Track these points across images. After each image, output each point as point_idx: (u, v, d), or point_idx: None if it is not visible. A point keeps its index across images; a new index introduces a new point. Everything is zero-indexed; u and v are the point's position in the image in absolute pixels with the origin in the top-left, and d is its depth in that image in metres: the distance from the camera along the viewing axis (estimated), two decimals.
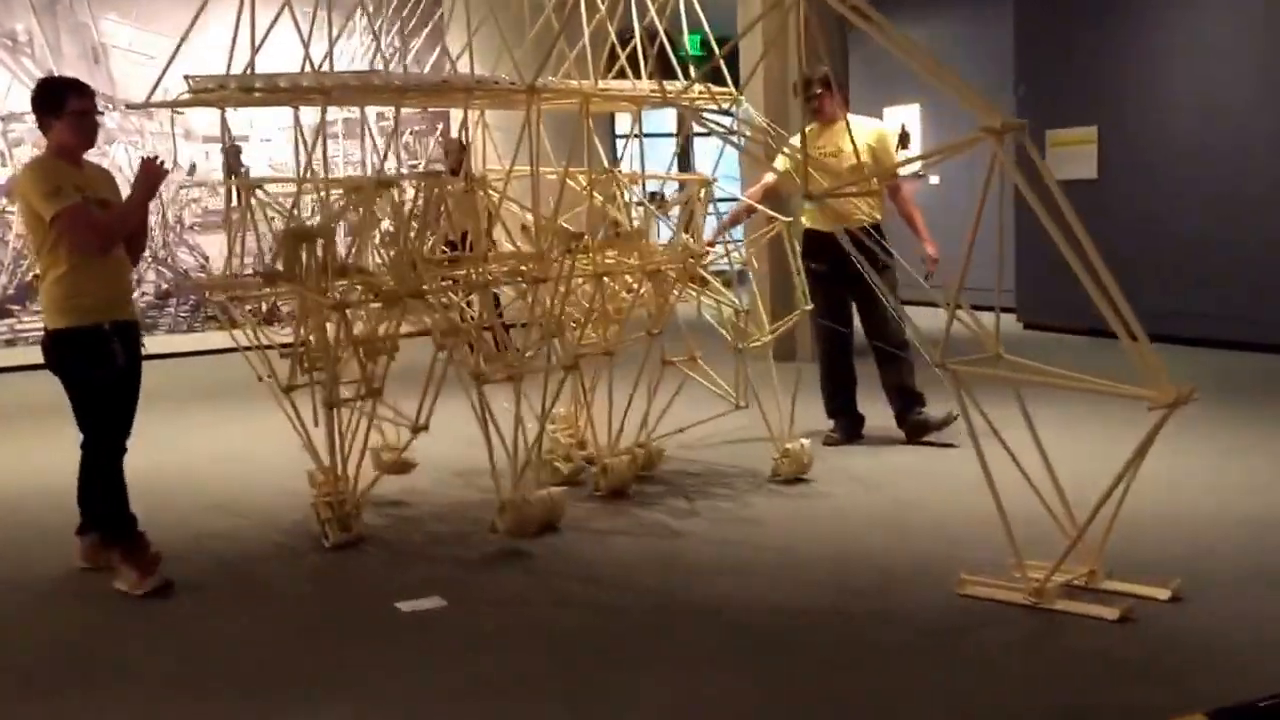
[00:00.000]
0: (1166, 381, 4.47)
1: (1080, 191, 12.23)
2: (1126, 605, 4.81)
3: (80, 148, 5.59)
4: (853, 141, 6.61)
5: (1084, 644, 4.63)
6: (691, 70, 6.40)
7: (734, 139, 5.80)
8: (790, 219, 6.99)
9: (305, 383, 6.38)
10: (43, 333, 5.66)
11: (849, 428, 8.15)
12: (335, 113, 14.17)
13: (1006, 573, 5.16)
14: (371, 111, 6.97)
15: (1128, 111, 12.40)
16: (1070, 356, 5.22)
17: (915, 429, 7.95)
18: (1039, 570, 5.00)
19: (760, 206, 7.37)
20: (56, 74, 13.70)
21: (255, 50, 5.63)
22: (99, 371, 5.55)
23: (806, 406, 7.22)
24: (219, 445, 8.75)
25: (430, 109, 14.19)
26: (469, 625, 5.13)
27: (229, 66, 5.84)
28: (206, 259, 14.18)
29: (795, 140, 7.39)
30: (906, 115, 16.69)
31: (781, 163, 6.78)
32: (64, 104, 5.49)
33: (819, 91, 7.60)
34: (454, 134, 13.11)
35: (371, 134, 6.42)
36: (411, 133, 15.28)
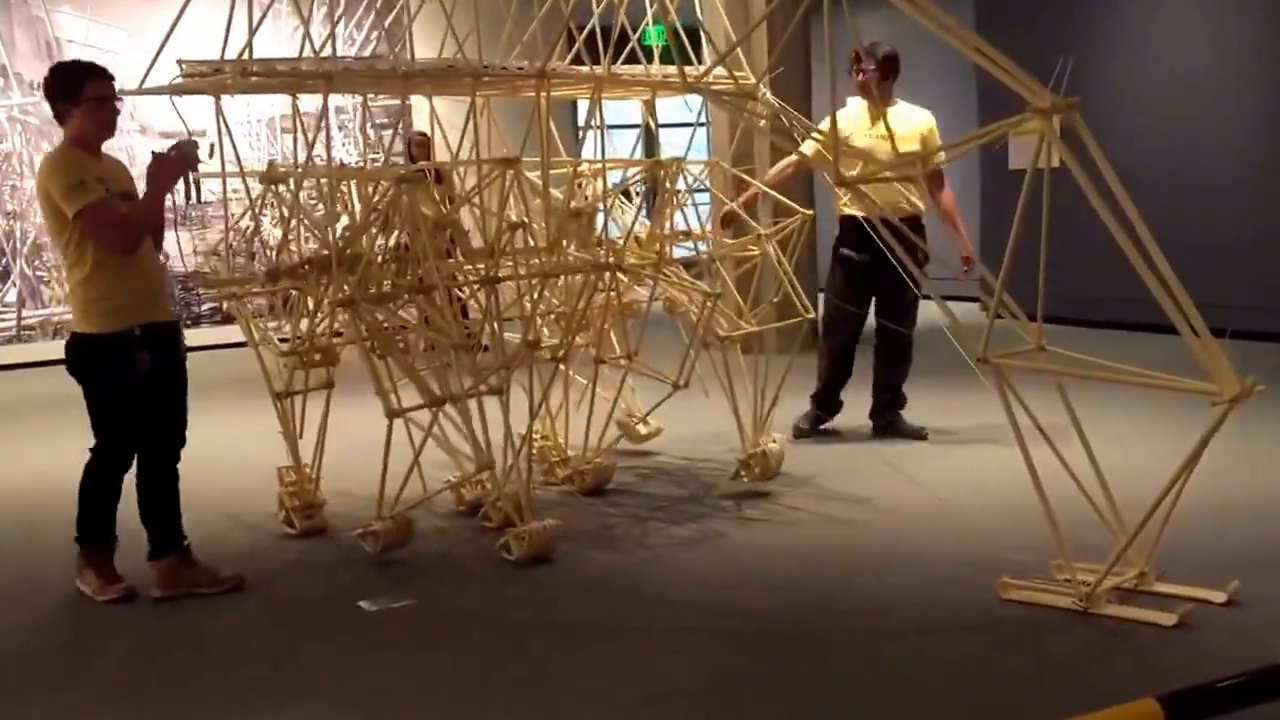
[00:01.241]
0: (1230, 375, 4.26)
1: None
2: (1184, 610, 4.59)
3: (99, 137, 5.24)
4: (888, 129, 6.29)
5: (1139, 651, 4.43)
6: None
7: (758, 123, 5.55)
8: (812, 211, 6.70)
9: (301, 389, 6.17)
10: (69, 335, 5.39)
11: (822, 420, 7.97)
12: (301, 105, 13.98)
13: (1049, 575, 4.98)
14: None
15: (1089, 100, 12.22)
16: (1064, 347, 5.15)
17: (888, 428, 7.83)
18: (1086, 573, 4.78)
19: (774, 194, 7.07)
20: (9, 68, 13.35)
21: (252, 33, 5.31)
22: (122, 381, 5.24)
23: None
24: (192, 444, 8.45)
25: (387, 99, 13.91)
26: (434, 623, 5.06)
27: (223, 52, 5.52)
28: (167, 256, 13.80)
29: (840, 123, 7.18)
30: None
31: (810, 146, 6.51)
32: (82, 89, 5.13)
33: (870, 68, 7.31)
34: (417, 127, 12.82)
35: (372, 123, 6.00)
36: (373, 126, 14.96)
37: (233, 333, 11.92)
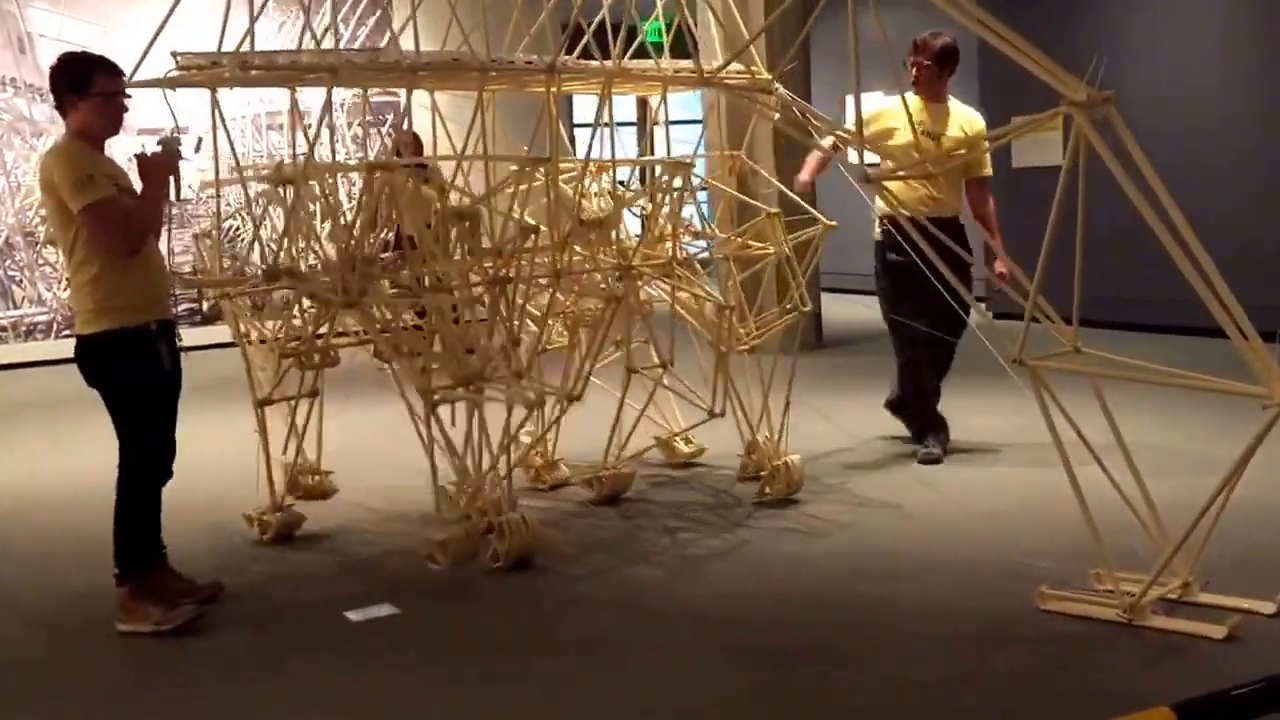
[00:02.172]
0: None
1: (1047, 178, 11.98)
2: (1233, 622, 4.41)
3: (106, 133, 5.00)
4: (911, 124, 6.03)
5: (1192, 666, 4.26)
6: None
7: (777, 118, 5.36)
8: (835, 223, 6.44)
9: (281, 398, 6.00)
10: (76, 339, 5.07)
11: (943, 439, 7.34)
12: (277, 102, 13.73)
13: (1085, 584, 4.82)
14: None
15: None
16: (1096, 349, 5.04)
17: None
18: (1128, 583, 4.60)
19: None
20: None
21: (253, 20, 5.08)
22: (138, 376, 4.99)
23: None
24: None
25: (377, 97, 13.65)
26: (421, 632, 4.94)
27: (220, 44, 5.30)
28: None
29: (885, 116, 6.99)
30: (865, 104, 16.12)
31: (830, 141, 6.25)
32: (90, 83, 4.89)
33: (926, 62, 6.98)
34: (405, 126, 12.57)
35: (363, 119, 5.72)
36: (362, 123, 14.69)
37: (206, 334, 11.77)
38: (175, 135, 5.26)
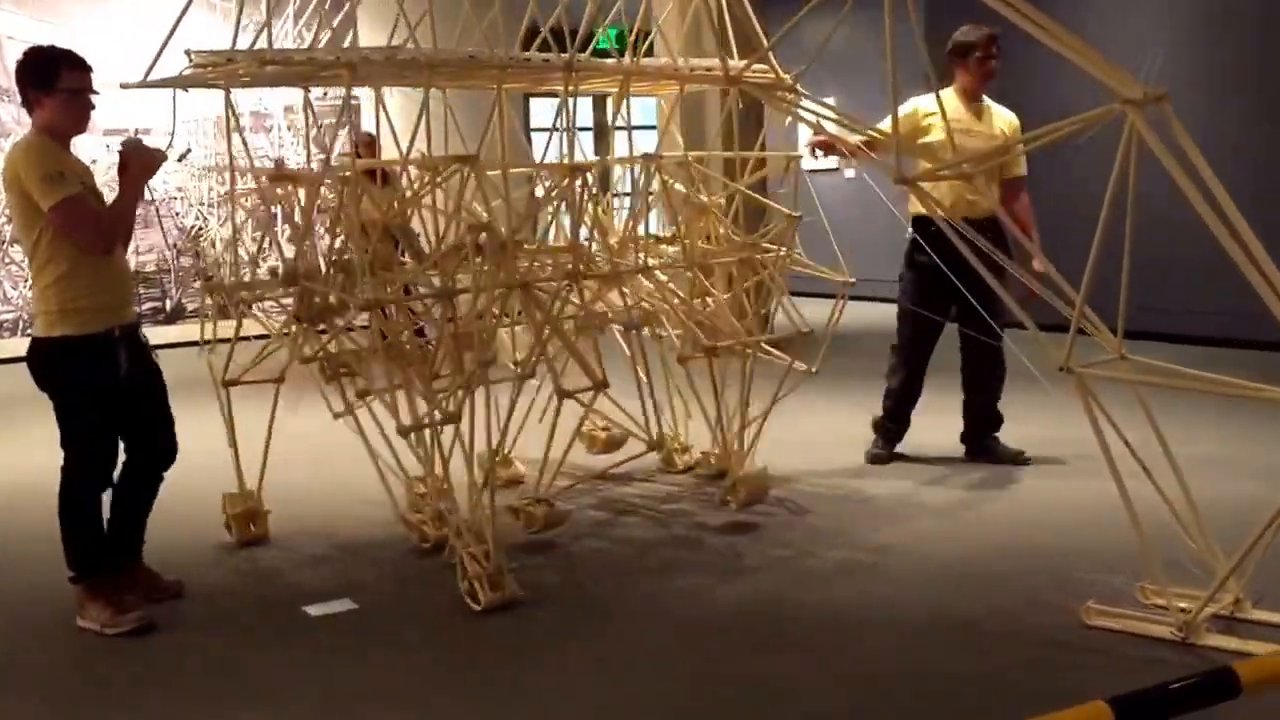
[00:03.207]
0: None
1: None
2: None
3: (73, 130, 4.86)
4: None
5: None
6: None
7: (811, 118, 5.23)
8: (854, 280, 6.20)
9: (252, 380, 5.89)
10: (31, 339, 4.92)
11: (894, 442, 7.28)
12: (243, 104, 13.48)
13: (1134, 601, 4.71)
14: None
15: (1042, 103, 11.98)
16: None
17: (983, 453, 7.14)
18: (1180, 598, 4.48)
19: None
20: None
21: (269, 15, 4.90)
22: (100, 380, 4.87)
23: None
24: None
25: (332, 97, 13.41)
26: (380, 628, 4.93)
27: (234, 42, 5.11)
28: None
29: (919, 114, 6.73)
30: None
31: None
32: (55, 78, 4.74)
33: (993, 56, 6.78)
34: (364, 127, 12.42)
35: (385, 117, 5.49)
36: (318, 126, 14.43)
37: (169, 333, 11.57)
38: (137, 137, 5.11)
